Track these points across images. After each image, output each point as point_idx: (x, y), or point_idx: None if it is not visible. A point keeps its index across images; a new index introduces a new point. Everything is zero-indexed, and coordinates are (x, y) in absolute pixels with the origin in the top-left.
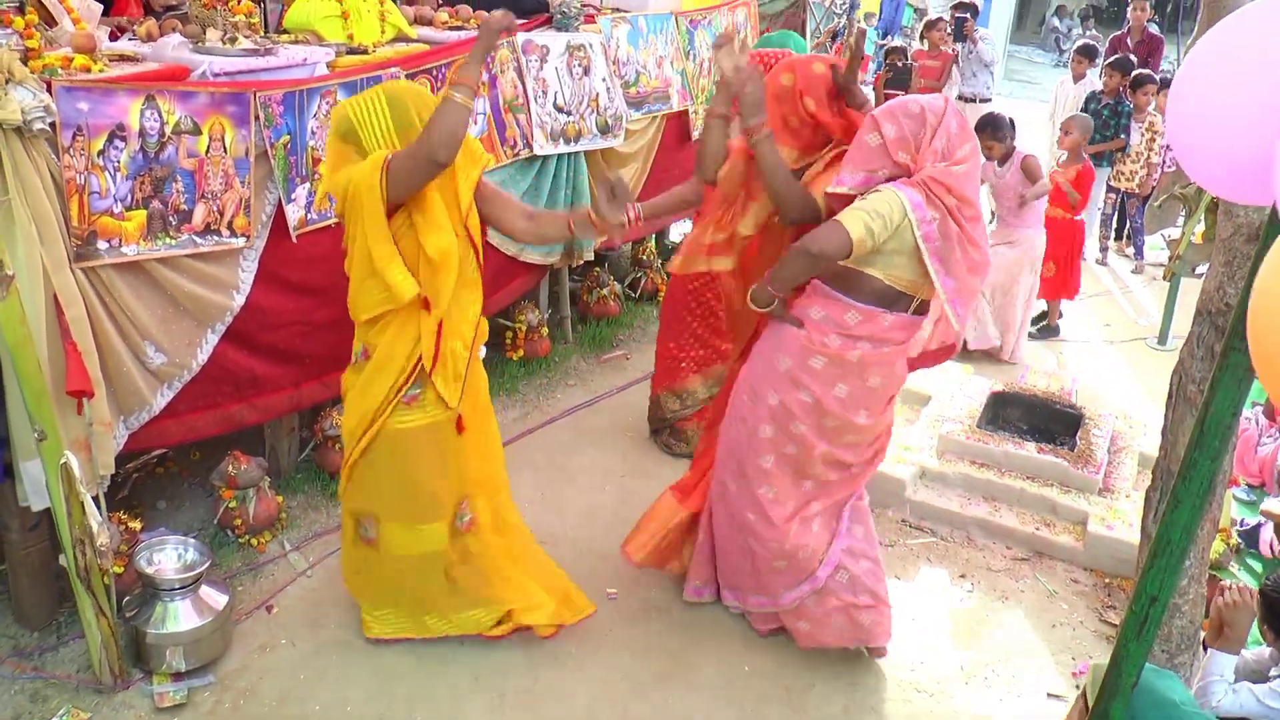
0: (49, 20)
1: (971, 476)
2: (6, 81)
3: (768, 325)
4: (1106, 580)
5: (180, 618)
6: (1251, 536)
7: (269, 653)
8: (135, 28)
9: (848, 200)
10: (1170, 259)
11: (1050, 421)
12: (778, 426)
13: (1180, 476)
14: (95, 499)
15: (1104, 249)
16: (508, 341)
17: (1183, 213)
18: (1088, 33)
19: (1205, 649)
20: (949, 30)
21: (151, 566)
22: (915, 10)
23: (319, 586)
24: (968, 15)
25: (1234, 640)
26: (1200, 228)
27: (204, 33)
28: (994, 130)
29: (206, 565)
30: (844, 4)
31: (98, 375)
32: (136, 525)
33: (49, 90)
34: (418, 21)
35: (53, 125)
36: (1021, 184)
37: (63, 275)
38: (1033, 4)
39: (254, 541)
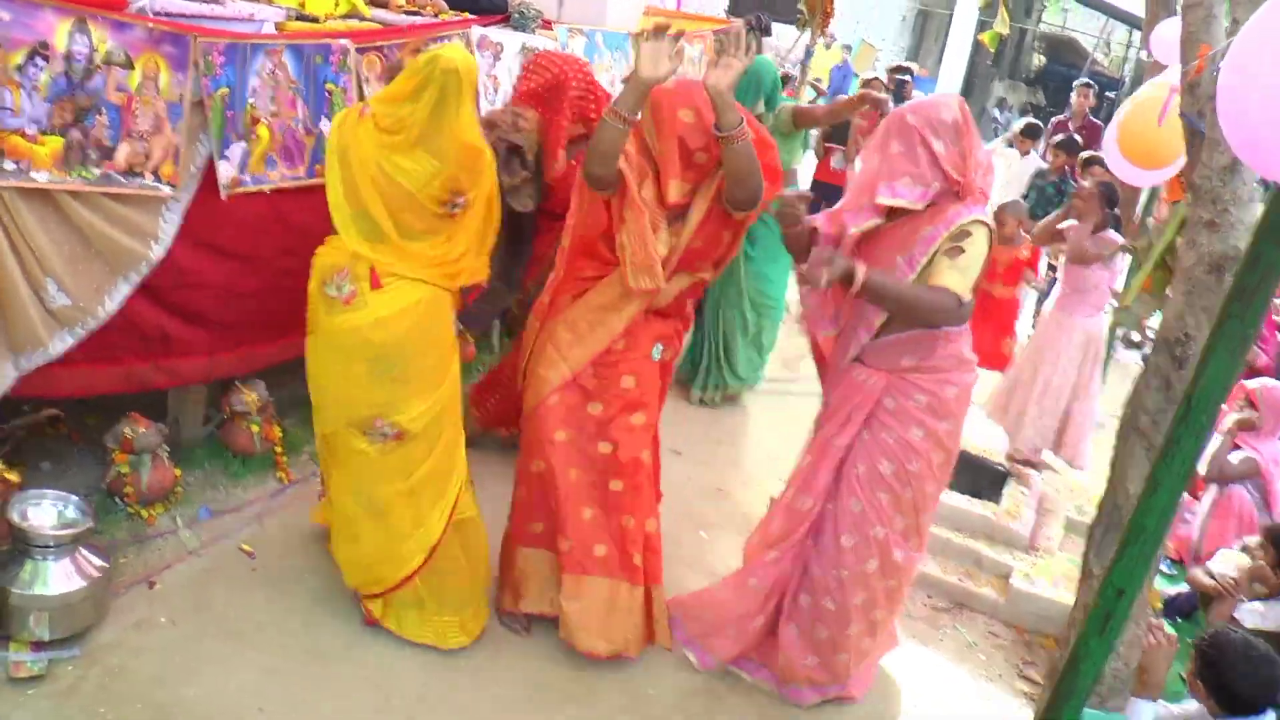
0: None
1: None
2: None
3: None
4: (1026, 637)
5: (50, 579)
6: (1176, 607)
7: (145, 630)
8: None
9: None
10: (1116, 310)
11: (977, 479)
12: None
13: (1161, 456)
14: None
15: (1033, 323)
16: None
17: (1128, 263)
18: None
19: None
20: (886, 90)
21: (25, 521)
22: (862, 81)
23: (210, 568)
24: (907, 78)
25: (1151, 685)
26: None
27: None
28: (1102, 194)
29: (87, 526)
30: (796, 60)
31: None
32: (14, 478)
33: None
34: (373, 3)
35: None
36: (1102, 262)
37: None
38: (974, 95)
39: (144, 513)
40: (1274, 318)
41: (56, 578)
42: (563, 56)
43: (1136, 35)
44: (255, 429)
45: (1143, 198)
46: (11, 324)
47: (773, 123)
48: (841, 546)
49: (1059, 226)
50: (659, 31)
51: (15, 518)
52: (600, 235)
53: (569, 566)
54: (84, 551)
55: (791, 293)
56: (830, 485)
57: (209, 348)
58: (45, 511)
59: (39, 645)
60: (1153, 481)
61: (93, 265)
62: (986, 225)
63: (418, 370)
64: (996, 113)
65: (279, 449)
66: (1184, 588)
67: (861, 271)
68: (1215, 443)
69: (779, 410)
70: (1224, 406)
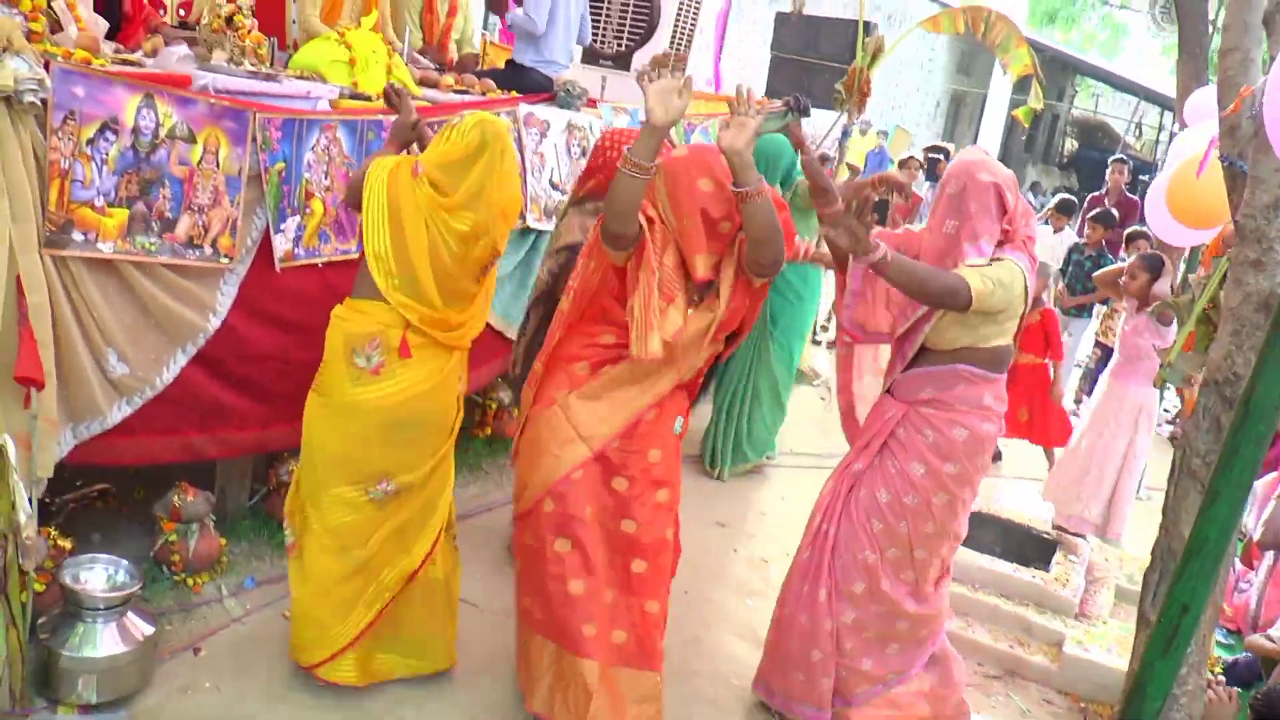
0: (55, 26)
1: None
2: (4, 50)
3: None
4: (1082, 705)
5: (100, 642)
6: (1237, 674)
7: (190, 695)
8: (142, 44)
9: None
10: (1161, 366)
11: (1024, 546)
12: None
13: (1220, 468)
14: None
15: (1078, 401)
16: (476, 419)
17: (1174, 322)
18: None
19: None
20: (920, 169)
21: (77, 583)
22: (899, 162)
23: (252, 635)
24: (940, 156)
25: None
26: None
27: (210, 53)
28: (1152, 269)
29: (137, 588)
30: (834, 141)
31: (51, 370)
32: (67, 545)
33: (46, 69)
34: (423, 84)
35: (44, 104)
36: (1152, 332)
37: (30, 258)
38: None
39: (190, 581)
40: None
41: (105, 641)
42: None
43: (1168, 117)
44: None
45: (1183, 257)
46: (72, 393)
47: (790, 198)
48: (833, 565)
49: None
50: (661, 66)
51: (68, 580)
52: (615, 298)
53: (591, 653)
54: (132, 615)
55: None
56: (839, 507)
57: (263, 419)
58: (96, 575)
59: (86, 709)
60: (1212, 492)
61: (152, 335)
62: (1021, 268)
63: (433, 431)
64: (1031, 196)
65: None
66: (1244, 655)
67: (884, 247)
68: (1270, 509)
69: (817, 481)
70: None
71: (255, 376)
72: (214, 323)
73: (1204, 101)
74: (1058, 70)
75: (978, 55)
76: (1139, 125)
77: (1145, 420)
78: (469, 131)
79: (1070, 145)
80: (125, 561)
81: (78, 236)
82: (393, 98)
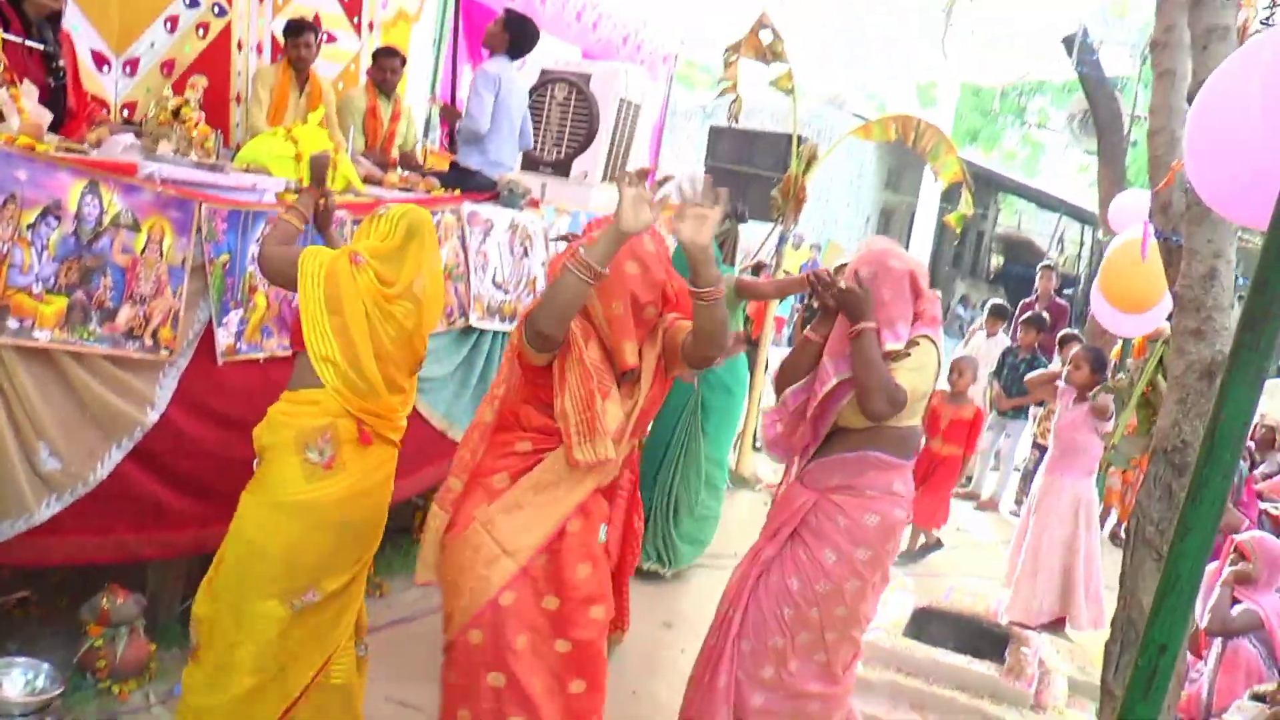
0: None
1: (899, 683)
2: None
3: (829, 518)
4: None
5: None
6: None
7: None
8: (87, 135)
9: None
10: (1106, 449)
11: (977, 640)
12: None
13: (1189, 499)
14: None
15: (1019, 502)
16: (418, 522)
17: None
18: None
19: None
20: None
21: None
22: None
23: None
24: None
25: None
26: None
27: (156, 145)
28: (1095, 363)
29: (57, 693)
30: (770, 250)
31: None
32: None
33: None
34: (368, 181)
35: None
36: (1087, 423)
37: None
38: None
39: (115, 689)
40: (1253, 486)
41: None
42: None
43: (1088, 233)
44: None
45: (1118, 345)
46: None
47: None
48: (741, 650)
49: (1054, 382)
50: (642, 177)
51: None
52: (532, 403)
53: None
54: None
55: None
56: (745, 592)
57: (201, 518)
58: (13, 679)
59: None
60: (1183, 525)
61: (87, 429)
62: (934, 343)
63: (369, 532)
64: (961, 309)
65: None
66: None
67: (871, 322)
68: (1214, 596)
69: None
70: (1213, 564)
71: (193, 473)
72: (152, 416)
73: (1127, 203)
74: (981, 188)
75: (905, 170)
76: (1061, 241)
77: (1085, 512)
78: (399, 221)
79: (996, 261)
80: (46, 665)
81: (12, 323)
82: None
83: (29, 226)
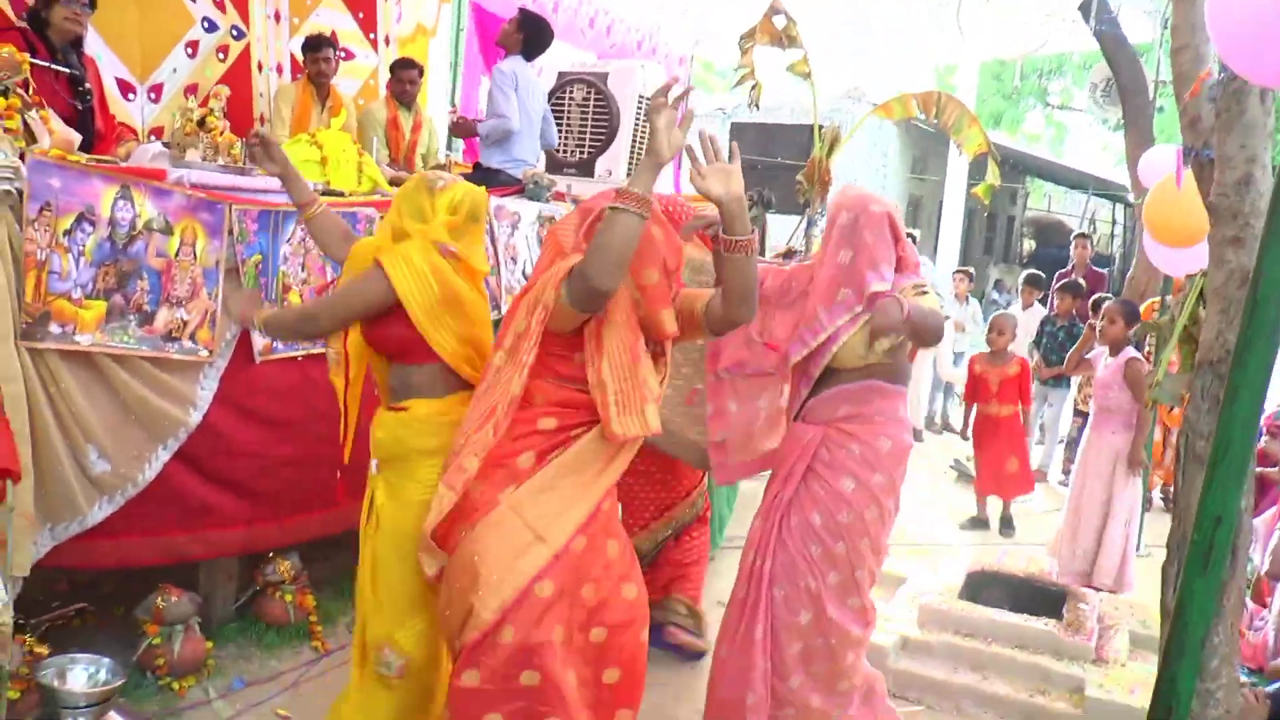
0: (30, 139)
1: (957, 645)
2: None
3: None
4: None
5: None
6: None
7: None
8: (116, 150)
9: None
10: (1150, 386)
11: (1032, 601)
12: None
13: (1235, 365)
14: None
15: (1066, 471)
16: None
17: (1150, 343)
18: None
19: None
20: None
21: (56, 682)
22: None
23: None
24: (909, 242)
25: None
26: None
27: (183, 154)
28: (1129, 316)
29: (119, 683)
30: (802, 235)
31: (28, 465)
32: (44, 650)
33: (21, 159)
34: (394, 184)
35: (20, 194)
36: (1121, 387)
37: (6, 348)
38: (972, 280)
39: (175, 685)
40: None
41: None
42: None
43: (1119, 211)
44: (289, 599)
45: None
46: (50, 491)
47: None
48: (774, 598)
49: (1085, 356)
50: (665, 92)
51: (47, 679)
52: (546, 376)
53: None
54: (115, 715)
55: None
56: (772, 539)
57: (247, 518)
58: (76, 674)
59: None
60: (1231, 389)
61: (133, 431)
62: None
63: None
64: (996, 295)
65: (314, 618)
66: (1274, 686)
67: (906, 302)
68: (1274, 540)
69: None
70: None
71: (237, 473)
72: (195, 417)
73: (1155, 157)
74: (1008, 172)
75: (931, 158)
76: (1093, 221)
77: (1123, 467)
78: (462, 199)
79: (1028, 245)
80: (107, 659)
81: (55, 329)
82: (256, 149)
83: (65, 233)
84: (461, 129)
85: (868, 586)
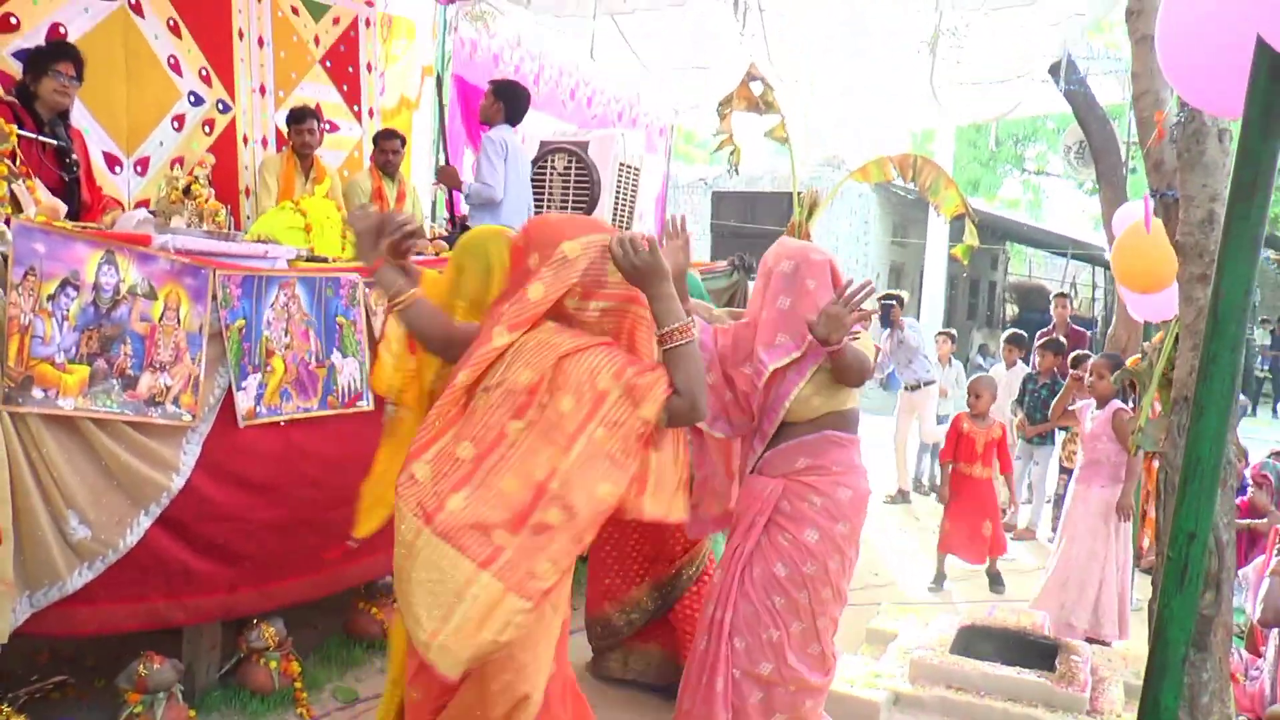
0: (16, 208)
1: (949, 699)
2: None
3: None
4: None
5: None
6: None
7: None
8: (102, 218)
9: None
10: (1133, 433)
11: (1024, 654)
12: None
13: (1201, 379)
14: None
15: (1054, 529)
16: None
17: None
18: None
19: None
20: (874, 315)
21: None
22: None
23: None
24: (894, 303)
25: None
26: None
27: (168, 221)
28: (1115, 369)
29: None
30: None
31: (8, 529)
32: None
33: (7, 224)
34: None
35: (4, 260)
36: (1110, 438)
37: None
38: (956, 345)
39: None
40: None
41: None
42: None
43: (1099, 275)
44: (274, 665)
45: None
46: (29, 557)
47: None
48: (735, 649)
49: (1069, 408)
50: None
51: None
52: None
53: None
54: None
55: None
56: (734, 590)
57: (230, 583)
58: None
59: None
60: (1198, 406)
61: (115, 496)
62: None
63: None
64: (980, 359)
65: (299, 684)
66: None
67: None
68: (1265, 586)
69: None
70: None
71: (220, 538)
72: (178, 482)
73: (1128, 213)
74: (988, 238)
75: (911, 225)
76: (1073, 285)
77: (1113, 519)
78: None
79: (1010, 310)
80: None
81: (37, 393)
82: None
83: (49, 298)
84: (447, 175)
85: (830, 634)
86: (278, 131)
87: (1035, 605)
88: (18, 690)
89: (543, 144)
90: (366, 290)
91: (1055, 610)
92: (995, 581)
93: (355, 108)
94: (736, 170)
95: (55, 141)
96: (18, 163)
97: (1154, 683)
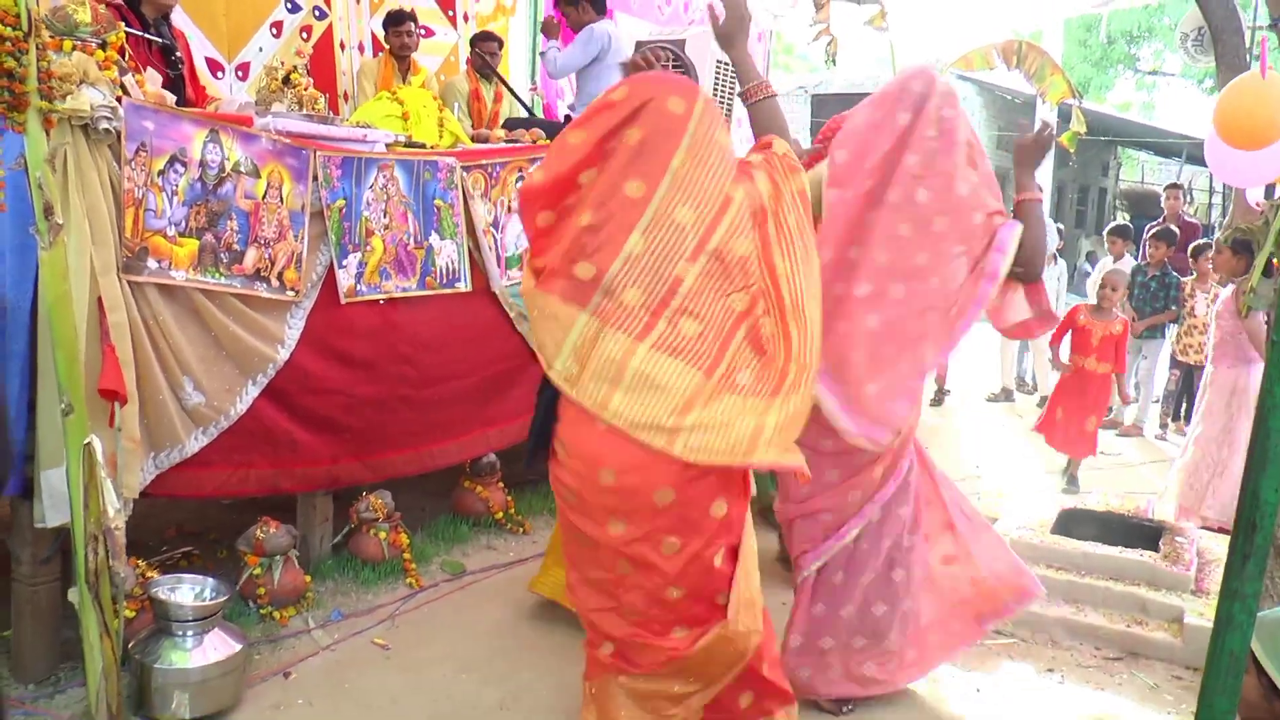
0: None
1: (1050, 578)
2: (81, 81)
3: None
4: None
5: (191, 655)
6: None
7: (283, 711)
8: (207, 107)
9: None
10: (1245, 292)
11: (1127, 536)
12: None
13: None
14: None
15: (1164, 425)
16: None
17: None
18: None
19: None
20: None
21: (166, 596)
22: None
23: (342, 660)
24: None
25: None
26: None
27: (269, 107)
28: (1237, 243)
29: (225, 599)
30: None
31: (133, 390)
32: (154, 574)
33: (119, 102)
34: (476, 139)
35: (118, 135)
36: (1232, 314)
37: (109, 279)
38: (1064, 253)
39: (276, 614)
40: None
41: (197, 653)
42: None
43: (1216, 181)
44: (383, 536)
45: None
46: (152, 419)
47: None
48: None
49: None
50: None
51: (158, 593)
52: None
53: None
54: (220, 631)
55: None
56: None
57: (333, 454)
58: (184, 592)
59: None
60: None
61: (224, 366)
62: None
63: None
64: (1088, 267)
65: (407, 555)
66: None
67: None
68: None
69: None
70: None
71: (323, 410)
72: (282, 355)
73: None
74: (1100, 145)
75: (1016, 132)
76: (1189, 191)
77: (1238, 400)
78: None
79: (1122, 217)
80: (211, 579)
81: (152, 264)
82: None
83: (159, 173)
84: (549, 28)
85: None
86: (374, 37)
87: (1165, 495)
88: (150, 559)
89: (638, 44)
90: (464, 174)
91: (1187, 497)
92: (1071, 482)
93: (450, 13)
94: (834, 61)
95: (160, 39)
96: (126, 57)
97: (1253, 475)
